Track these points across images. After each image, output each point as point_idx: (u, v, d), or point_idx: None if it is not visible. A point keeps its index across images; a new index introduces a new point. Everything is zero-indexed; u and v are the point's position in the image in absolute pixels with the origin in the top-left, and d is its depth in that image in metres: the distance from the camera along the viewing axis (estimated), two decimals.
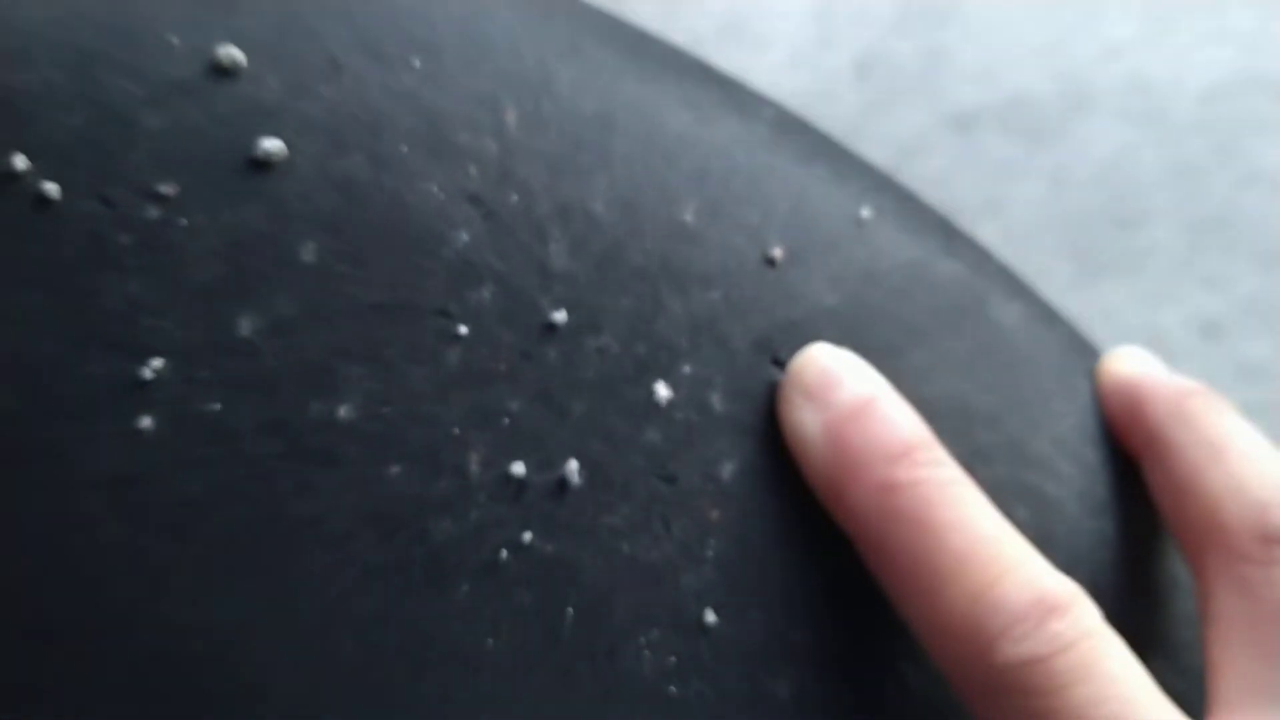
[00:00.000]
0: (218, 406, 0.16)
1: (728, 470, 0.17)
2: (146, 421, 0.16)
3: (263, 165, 0.16)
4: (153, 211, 0.16)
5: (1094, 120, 1.00)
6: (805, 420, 0.18)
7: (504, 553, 0.16)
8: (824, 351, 0.18)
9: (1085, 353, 0.22)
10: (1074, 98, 1.03)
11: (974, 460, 0.18)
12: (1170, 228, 0.87)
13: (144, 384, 0.16)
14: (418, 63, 0.17)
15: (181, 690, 0.15)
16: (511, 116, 0.17)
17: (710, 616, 0.17)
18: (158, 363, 0.16)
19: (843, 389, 0.18)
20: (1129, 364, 0.21)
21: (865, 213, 0.19)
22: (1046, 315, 0.21)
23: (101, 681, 0.15)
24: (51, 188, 0.16)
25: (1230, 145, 0.93)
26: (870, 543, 0.17)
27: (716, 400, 0.18)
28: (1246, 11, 1.08)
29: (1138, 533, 0.21)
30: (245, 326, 0.16)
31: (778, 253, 0.18)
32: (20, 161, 0.16)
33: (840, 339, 0.18)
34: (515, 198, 0.17)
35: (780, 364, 0.18)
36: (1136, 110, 0.99)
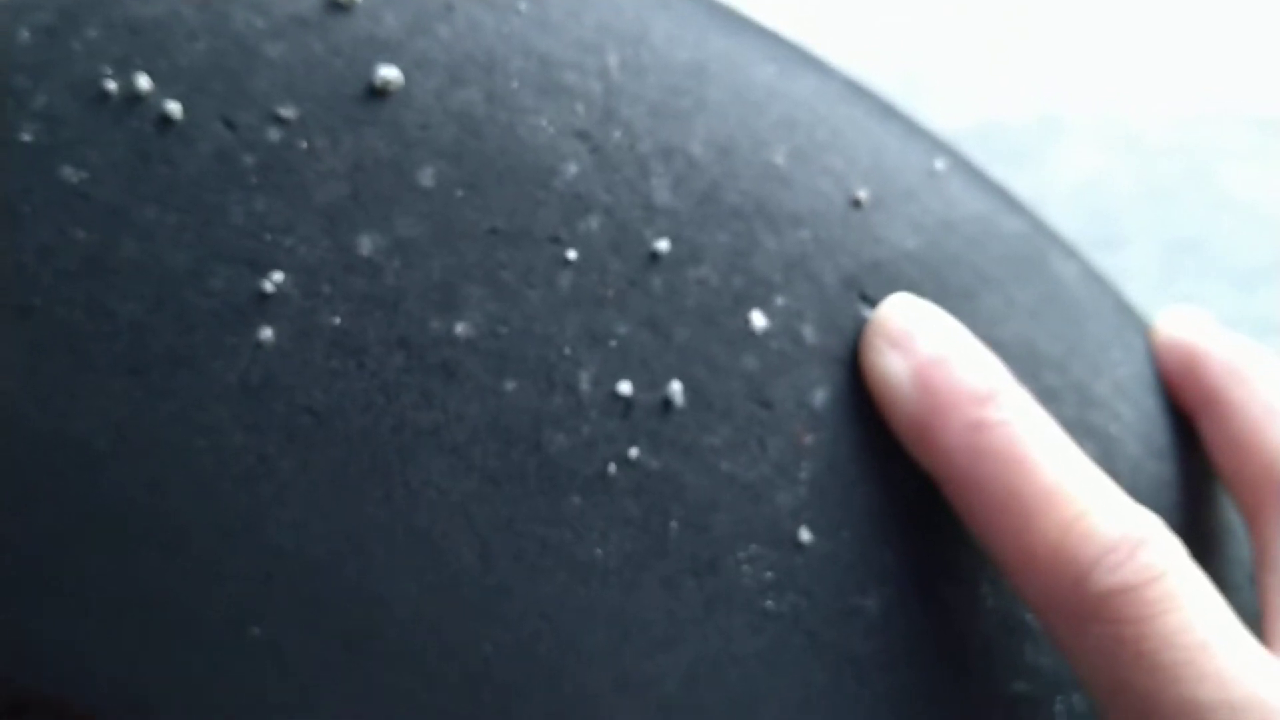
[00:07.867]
0: (339, 321, 0.16)
1: (819, 398, 0.18)
2: (268, 333, 0.16)
3: (381, 93, 0.17)
4: (274, 134, 0.17)
5: (1068, 146, 1.03)
6: (891, 365, 0.18)
7: (613, 466, 0.17)
8: (907, 300, 0.19)
9: (1133, 313, 0.23)
10: (1048, 124, 1.05)
11: (1043, 399, 0.19)
12: (1146, 250, 0.90)
13: (266, 297, 0.16)
14: (524, 7, 0.18)
15: (300, 596, 0.16)
16: (614, 61, 0.18)
17: (805, 534, 0.18)
18: (279, 276, 0.16)
19: (927, 336, 0.18)
20: (1184, 323, 0.22)
21: (939, 165, 0.20)
22: (1098, 276, 0.22)
23: (222, 586, 0.16)
24: (174, 108, 0.16)
25: (1203, 170, 0.96)
26: (958, 480, 0.18)
27: (809, 332, 0.18)
28: (1215, 42, 1.11)
29: (1194, 478, 0.22)
30: (366, 245, 0.17)
31: (863, 194, 0.19)
32: (144, 82, 0.16)
33: (921, 280, 0.19)
34: (619, 135, 0.18)
35: (868, 300, 0.19)
36: (1110, 136, 1.02)
